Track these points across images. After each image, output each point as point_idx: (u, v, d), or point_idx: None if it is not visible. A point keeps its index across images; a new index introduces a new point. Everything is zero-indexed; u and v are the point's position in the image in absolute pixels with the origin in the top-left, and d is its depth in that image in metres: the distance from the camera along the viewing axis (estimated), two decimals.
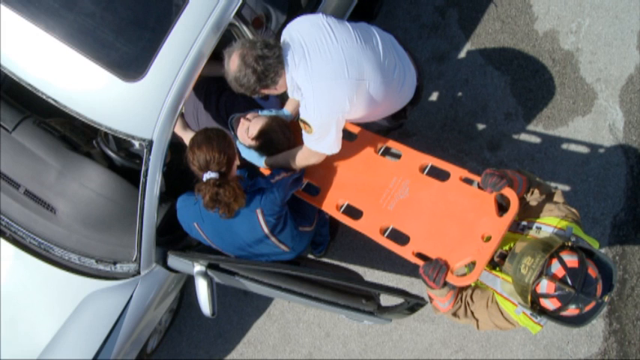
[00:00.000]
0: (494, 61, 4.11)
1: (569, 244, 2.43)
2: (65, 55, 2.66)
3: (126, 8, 2.69)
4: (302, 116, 2.72)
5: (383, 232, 2.87)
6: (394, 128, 3.27)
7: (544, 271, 2.36)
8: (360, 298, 2.94)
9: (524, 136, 4.04)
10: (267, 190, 2.74)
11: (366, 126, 3.08)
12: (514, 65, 4.10)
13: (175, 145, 2.94)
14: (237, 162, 2.73)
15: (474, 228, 2.64)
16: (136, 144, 2.89)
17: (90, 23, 2.66)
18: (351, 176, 3.01)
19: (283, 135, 3.03)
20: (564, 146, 4.03)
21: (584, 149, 4.02)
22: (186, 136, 3.15)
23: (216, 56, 2.77)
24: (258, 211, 2.72)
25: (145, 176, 2.74)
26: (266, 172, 3.04)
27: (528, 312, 2.55)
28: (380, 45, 2.77)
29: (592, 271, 2.38)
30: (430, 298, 2.85)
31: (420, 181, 2.86)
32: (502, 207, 2.70)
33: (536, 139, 4.04)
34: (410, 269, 3.84)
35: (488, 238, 2.59)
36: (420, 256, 2.74)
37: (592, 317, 2.48)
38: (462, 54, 4.12)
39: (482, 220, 2.65)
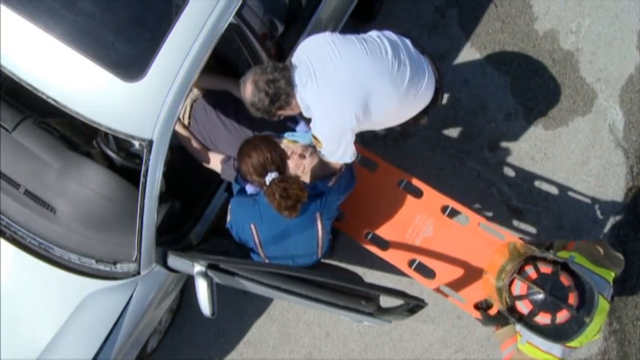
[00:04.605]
0: (494, 61, 4.11)
1: (550, 258, 2.67)
2: (65, 55, 2.65)
3: (126, 8, 2.68)
4: (312, 132, 2.83)
5: (410, 264, 3.24)
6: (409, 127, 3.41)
7: (517, 272, 2.64)
8: (360, 299, 2.94)
9: (524, 136, 4.04)
10: (326, 193, 2.82)
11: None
12: (514, 65, 4.10)
13: (175, 146, 2.95)
14: (288, 158, 2.82)
15: None
16: (136, 144, 2.89)
17: (90, 23, 2.65)
18: (376, 207, 3.30)
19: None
20: (564, 146, 4.03)
21: (584, 149, 4.02)
22: (198, 152, 3.16)
23: (219, 68, 2.79)
24: (318, 215, 2.81)
25: (145, 176, 2.74)
26: None
27: (532, 339, 2.75)
28: (389, 54, 2.79)
29: (565, 279, 2.58)
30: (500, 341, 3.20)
31: (443, 223, 3.24)
32: None
33: (536, 139, 4.04)
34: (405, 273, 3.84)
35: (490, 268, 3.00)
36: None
37: (572, 335, 2.61)
38: (462, 54, 4.12)
39: None
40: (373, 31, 2.92)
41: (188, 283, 3.51)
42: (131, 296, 3.08)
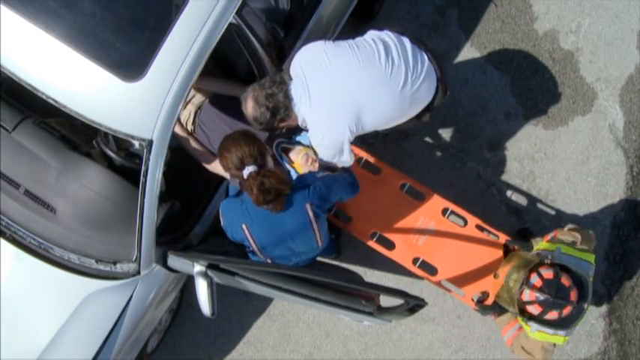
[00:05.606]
0: (494, 61, 4.11)
1: (548, 262, 3.04)
2: (65, 55, 2.65)
3: (126, 8, 2.68)
4: (310, 142, 2.94)
5: (414, 262, 3.49)
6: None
7: (525, 282, 3.00)
8: (360, 298, 2.94)
9: (524, 136, 4.04)
10: (313, 184, 2.80)
11: None
12: (514, 65, 4.10)
13: (175, 147, 2.94)
14: (270, 153, 2.82)
15: (487, 267, 3.44)
16: (136, 144, 2.89)
17: (90, 23, 2.65)
18: (382, 210, 3.51)
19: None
20: (564, 146, 4.03)
21: (584, 149, 4.02)
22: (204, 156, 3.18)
23: (218, 70, 2.79)
24: (308, 206, 2.78)
25: (145, 176, 2.73)
26: None
27: (542, 328, 3.09)
28: (382, 58, 2.82)
29: (565, 281, 2.98)
30: (500, 329, 3.53)
31: (444, 224, 3.50)
32: (507, 250, 3.46)
33: (536, 139, 4.04)
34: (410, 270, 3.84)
35: (497, 275, 3.38)
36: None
37: (575, 321, 3.05)
38: (462, 54, 4.12)
39: (492, 262, 3.43)
40: (369, 33, 2.93)
41: (188, 283, 3.51)
42: (131, 296, 3.08)
